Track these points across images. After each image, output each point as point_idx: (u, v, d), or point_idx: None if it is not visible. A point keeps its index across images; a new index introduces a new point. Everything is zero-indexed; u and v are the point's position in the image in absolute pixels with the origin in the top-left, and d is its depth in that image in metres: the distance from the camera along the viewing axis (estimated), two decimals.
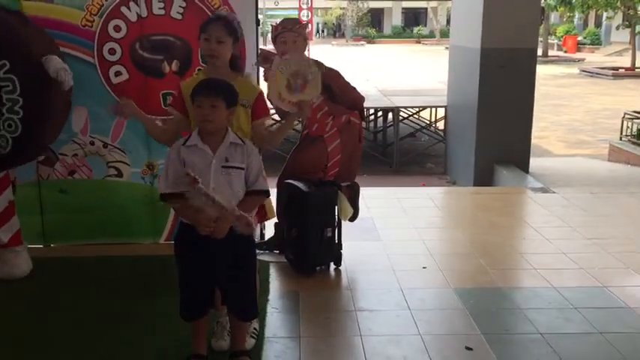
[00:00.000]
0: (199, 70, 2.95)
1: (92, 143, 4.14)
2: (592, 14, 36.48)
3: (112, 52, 3.99)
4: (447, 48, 15.88)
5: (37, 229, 4.21)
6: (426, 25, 52.64)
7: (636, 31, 24.29)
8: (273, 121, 4.75)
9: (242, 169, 2.59)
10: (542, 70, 8.93)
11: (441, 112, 10.41)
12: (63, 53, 3.80)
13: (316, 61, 3.96)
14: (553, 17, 37.90)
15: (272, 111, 3.29)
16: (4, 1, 3.59)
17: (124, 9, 3.93)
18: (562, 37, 38.59)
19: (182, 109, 2.87)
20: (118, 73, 4.02)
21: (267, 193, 2.74)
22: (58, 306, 3.48)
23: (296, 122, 3.38)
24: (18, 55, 3.42)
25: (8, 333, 3.19)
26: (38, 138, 3.65)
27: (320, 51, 22.18)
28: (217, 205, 2.46)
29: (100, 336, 3.14)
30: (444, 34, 40.87)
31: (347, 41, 47.11)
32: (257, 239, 3.44)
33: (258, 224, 3.42)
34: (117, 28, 3.96)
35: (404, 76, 19.03)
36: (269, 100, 3.17)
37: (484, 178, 7.65)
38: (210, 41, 2.80)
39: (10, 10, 3.59)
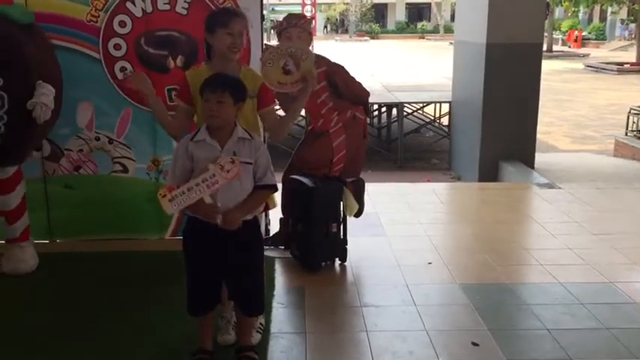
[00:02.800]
0: (205, 62, 2.94)
1: (97, 139, 4.14)
2: (597, 9, 36.32)
3: (117, 47, 3.99)
4: (451, 43, 15.85)
5: (42, 225, 4.22)
6: (429, 21, 52.54)
7: None
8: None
9: (250, 163, 2.59)
10: (546, 66, 8.89)
11: (446, 108, 10.39)
12: (70, 49, 3.80)
13: (321, 57, 3.97)
14: (558, 12, 37.72)
15: (276, 107, 3.29)
16: (17, 14, 3.52)
17: (129, 4, 3.93)
18: (567, 32, 38.46)
19: (187, 100, 2.87)
20: (123, 69, 4.02)
21: (275, 188, 2.74)
22: (64, 301, 3.49)
23: (300, 118, 3.38)
24: (14, 74, 3.38)
25: (14, 327, 3.20)
26: (16, 154, 3.64)
27: (324, 47, 22.14)
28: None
29: (106, 331, 3.14)
30: (448, 30, 40.82)
31: (350, 37, 47.04)
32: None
33: (263, 219, 3.41)
34: (122, 24, 3.96)
35: (408, 72, 18.99)
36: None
37: (489, 173, 7.63)
38: (233, 35, 2.82)
39: (19, 24, 3.51)
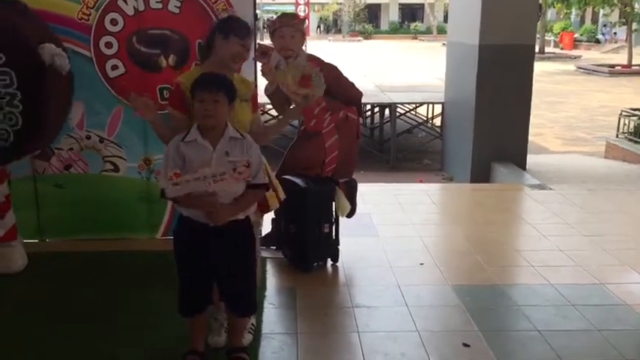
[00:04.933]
0: (196, 64, 2.93)
1: (88, 137, 4.12)
2: (589, 11, 36.51)
3: (108, 45, 3.96)
4: (443, 44, 15.86)
5: (32, 224, 4.19)
6: (422, 21, 52.62)
7: (633, 29, 24.32)
8: (271, 117, 4.74)
9: None
10: (538, 67, 8.92)
11: (438, 109, 10.40)
12: (59, 40, 3.78)
13: (314, 57, 3.96)
14: (550, 14, 37.89)
15: (268, 106, 3.29)
16: None
17: (121, 2, 3.90)
18: (559, 33, 38.62)
19: (182, 107, 2.75)
20: (114, 67, 3.99)
21: (267, 187, 2.73)
22: (54, 301, 3.46)
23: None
24: (14, 48, 3.39)
25: (3, 328, 3.17)
26: (39, 130, 3.63)
27: (317, 47, 22.12)
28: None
29: (96, 331, 3.12)
30: (441, 30, 40.86)
31: (344, 37, 47.04)
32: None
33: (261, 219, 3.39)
34: (114, 22, 3.93)
35: (401, 72, 19.01)
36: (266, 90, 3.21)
37: (481, 174, 7.65)
38: (245, 48, 2.86)
39: (7, 0, 3.54)
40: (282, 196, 3.19)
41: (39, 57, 3.42)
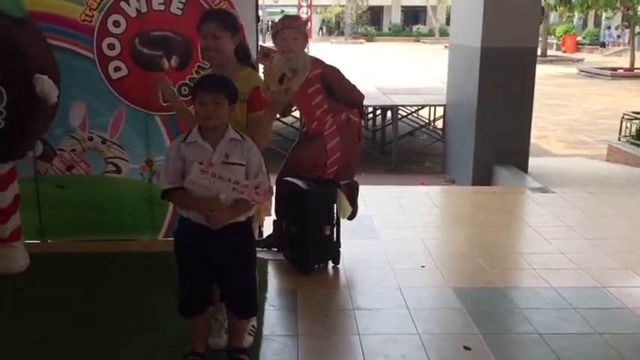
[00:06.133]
0: (207, 67, 2.93)
1: (90, 139, 4.12)
2: (591, 14, 36.49)
3: (111, 47, 3.97)
4: (446, 47, 15.87)
5: (34, 225, 4.19)
6: (425, 24, 52.65)
7: (635, 32, 24.31)
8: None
9: (242, 165, 2.58)
10: (540, 70, 8.93)
11: (440, 111, 10.41)
12: (63, 49, 3.79)
13: (316, 59, 3.97)
14: (553, 17, 37.89)
15: None
16: (10, 8, 3.49)
17: (123, 4, 3.91)
18: (561, 36, 38.61)
19: None
20: (117, 69, 4.00)
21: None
22: (55, 302, 3.47)
23: (295, 120, 3.36)
24: (11, 68, 3.39)
25: (5, 328, 3.18)
26: (15, 149, 3.66)
27: (319, 49, 22.16)
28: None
29: (97, 332, 3.13)
30: (444, 33, 40.87)
31: (346, 39, 47.06)
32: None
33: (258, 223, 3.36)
34: (116, 24, 3.94)
35: (403, 75, 19.02)
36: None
37: (483, 177, 7.65)
38: (206, 38, 2.82)
39: (13, 18, 3.50)
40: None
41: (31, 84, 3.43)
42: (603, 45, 37.28)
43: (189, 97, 2.59)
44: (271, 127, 3.07)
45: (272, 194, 2.89)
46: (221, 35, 2.83)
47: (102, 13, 3.92)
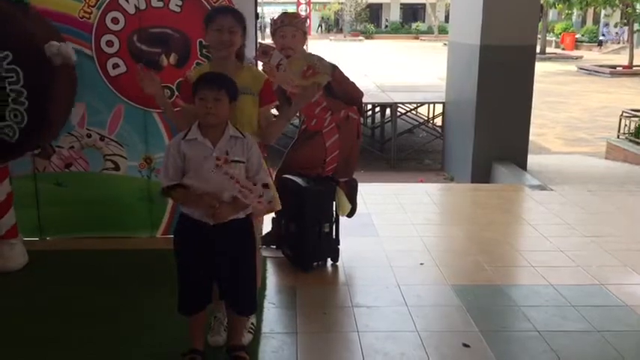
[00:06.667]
0: (206, 62, 2.92)
1: (89, 136, 4.12)
2: (590, 11, 36.49)
3: (109, 44, 3.97)
4: (445, 44, 15.88)
5: (32, 222, 4.19)
6: (424, 21, 52.60)
7: (634, 29, 24.31)
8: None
9: (243, 162, 2.58)
10: (539, 68, 8.92)
11: (439, 109, 10.40)
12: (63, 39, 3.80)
13: (311, 54, 3.96)
14: (551, 14, 37.88)
15: None
16: None
17: (122, 1, 3.90)
18: (560, 34, 38.61)
19: (192, 101, 2.72)
20: (115, 66, 3.99)
21: (267, 186, 2.72)
22: (54, 299, 3.46)
23: (294, 117, 3.37)
24: (21, 46, 3.43)
25: (3, 326, 3.17)
26: (44, 127, 3.68)
27: (318, 46, 22.13)
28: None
29: (96, 329, 3.12)
30: (443, 30, 40.90)
31: (345, 36, 47.02)
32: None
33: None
34: (115, 21, 3.93)
35: (402, 72, 19.01)
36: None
37: (482, 174, 7.64)
38: (222, 32, 2.80)
39: (17, 3, 3.57)
40: (278, 206, 3.03)
41: (45, 56, 3.47)
42: (600, 43, 37.27)
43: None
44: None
45: (277, 206, 2.89)
46: (237, 30, 2.84)
47: (100, 10, 3.91)
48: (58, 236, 4.30)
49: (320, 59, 3.23)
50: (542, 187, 6.20)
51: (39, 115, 3.56)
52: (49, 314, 3.29)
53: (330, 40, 43.34)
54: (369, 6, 50.36)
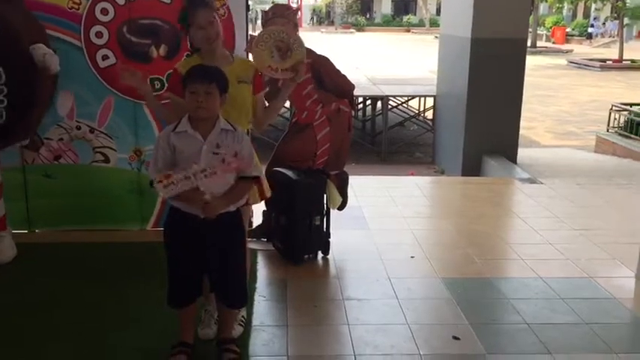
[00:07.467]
0: (194, 53, 2.89)
1: (78, 128, 4.08)
2: (581, 5, 36.59)
3: (99, 35, 3.93)
4: (436, 37, 15.86)
5: (21, 215, 4.15)
6: (415, 14, 52.54)
7: (624, 23, 24.41)
8: None
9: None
10: (530, 61, 8.92)
11: (430, 102, 10.41)
12: (51, 37, 3.76)
13: (306, 48, 3.94)
14: (542, 8, 37.94)
15: None
16: None
17: None
18: (551, 27, 38.71)
19: (181, 93, 2.68)
20: (105, 57, 3.96)
21: (256, 179, 2.72)
22: (42, 292, 3.44)
23: (285, 110, 3.36)
24: (6, 45, 3.40)
25: None
26: (22, 125, 3.64)
27: (309, 38, 22.05)
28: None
29: (86, 322, 3.11)
30: (434, 23, 40.84)
31: (336, 29, 46.90)
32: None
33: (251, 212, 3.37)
34: (104, 12, 3.90)
35: (393, 65, 19.00)
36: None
37: (472, 167, 7.67)
38: (205, 28, 2.78)
39: None
40: (268, 193, 3.03)
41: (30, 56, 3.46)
42: (590, 36, 37.41)
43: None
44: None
45: (267, 193, 2.91)
46: (214, 19, 2.82)
47: (89, 1, 3.87)
48: (47, 229, 4.27)
49: (289, 35, 3.11)
50: (531, 181, 6.23)
51: (17, 114, 3.54)
52: (37, 307, 3.27)
53: (322, 32, 43.19)
54: None
